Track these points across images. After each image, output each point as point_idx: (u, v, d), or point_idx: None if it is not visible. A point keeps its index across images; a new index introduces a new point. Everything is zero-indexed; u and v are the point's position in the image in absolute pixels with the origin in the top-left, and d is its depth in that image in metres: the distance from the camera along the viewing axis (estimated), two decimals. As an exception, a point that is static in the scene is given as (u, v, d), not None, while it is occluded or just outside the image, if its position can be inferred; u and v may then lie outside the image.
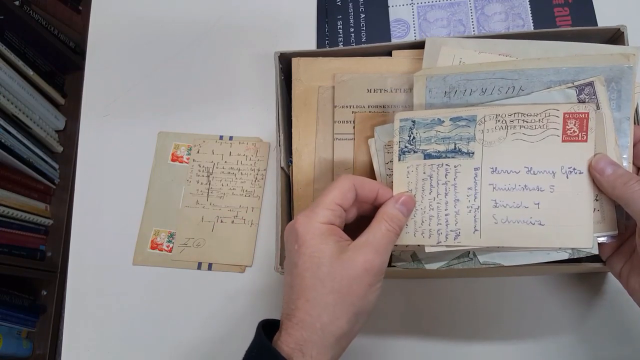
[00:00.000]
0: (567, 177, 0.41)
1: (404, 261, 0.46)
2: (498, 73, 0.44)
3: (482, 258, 0.44)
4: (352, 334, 0.39)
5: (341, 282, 0.37)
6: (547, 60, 0.43)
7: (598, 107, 0.41)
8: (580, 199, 0.41)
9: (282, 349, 0.37)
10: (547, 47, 0.45)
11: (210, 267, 0.61)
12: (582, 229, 0.41)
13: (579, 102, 0.42)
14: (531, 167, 0.41)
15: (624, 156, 0.42)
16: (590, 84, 0.42)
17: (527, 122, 0.42)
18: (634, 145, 0.42)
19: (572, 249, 0.41)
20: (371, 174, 0.48)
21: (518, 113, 0.42)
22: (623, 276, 0.42)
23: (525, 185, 0.41)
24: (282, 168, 0.50)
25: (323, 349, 0.37)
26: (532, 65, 0.43)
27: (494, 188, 0.42)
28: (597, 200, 0.41)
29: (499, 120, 0.42)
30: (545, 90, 0.43)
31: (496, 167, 0.42)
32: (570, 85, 0.42)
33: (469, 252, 0.44)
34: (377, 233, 0.39)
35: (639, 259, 0.40)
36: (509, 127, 0.42)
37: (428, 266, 0.45)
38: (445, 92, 0.45)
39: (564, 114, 0.41)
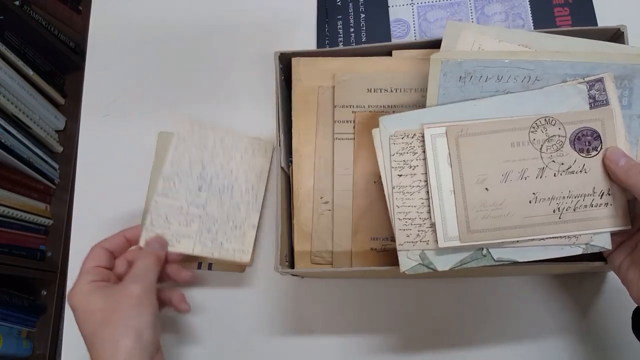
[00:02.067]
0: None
1: (412, 260, 0.44)
2: (515, 62, 0.44)
3: (496, 254, 0.43)
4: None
5: None
6: (564, 54, 0.44)
7: (607, 103, 0.42)
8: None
9: None
10: (567, 42, 0.46)
11: (210, 267, 0.61)
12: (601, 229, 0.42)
13: (590, 97, 0.43)
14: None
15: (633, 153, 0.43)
16: (601, 80, 0.43)
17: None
18: None
19: (586, 244, 0.42)
20: (373, 170, 0.48)
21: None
22: (622, 269, 0.43)
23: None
24: (282, 168, 0.50)
25: None
26: (549, 57, 0.44)
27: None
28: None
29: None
30: (558, 85, 0.44)
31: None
32: (582, 80, 0.43)
33: (482, 249, 0.44)
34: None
35: None
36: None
37: (440, 267, 0.44)
38: (460, 77, 0.45)
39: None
